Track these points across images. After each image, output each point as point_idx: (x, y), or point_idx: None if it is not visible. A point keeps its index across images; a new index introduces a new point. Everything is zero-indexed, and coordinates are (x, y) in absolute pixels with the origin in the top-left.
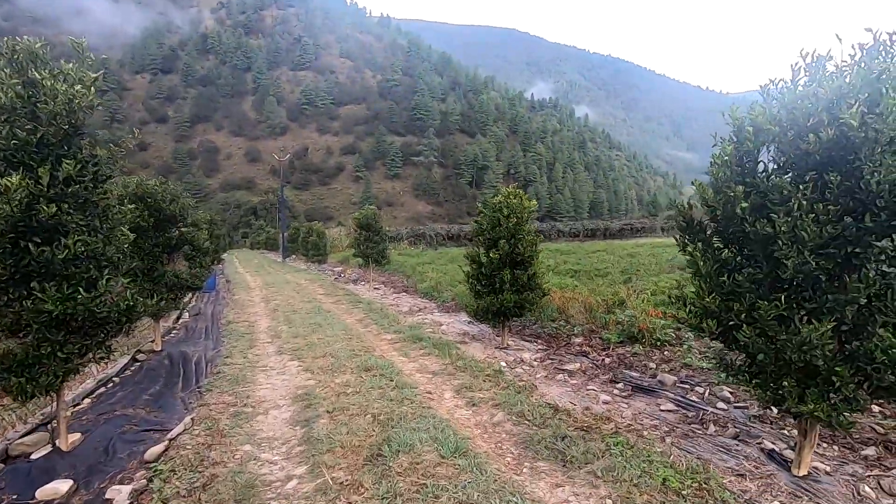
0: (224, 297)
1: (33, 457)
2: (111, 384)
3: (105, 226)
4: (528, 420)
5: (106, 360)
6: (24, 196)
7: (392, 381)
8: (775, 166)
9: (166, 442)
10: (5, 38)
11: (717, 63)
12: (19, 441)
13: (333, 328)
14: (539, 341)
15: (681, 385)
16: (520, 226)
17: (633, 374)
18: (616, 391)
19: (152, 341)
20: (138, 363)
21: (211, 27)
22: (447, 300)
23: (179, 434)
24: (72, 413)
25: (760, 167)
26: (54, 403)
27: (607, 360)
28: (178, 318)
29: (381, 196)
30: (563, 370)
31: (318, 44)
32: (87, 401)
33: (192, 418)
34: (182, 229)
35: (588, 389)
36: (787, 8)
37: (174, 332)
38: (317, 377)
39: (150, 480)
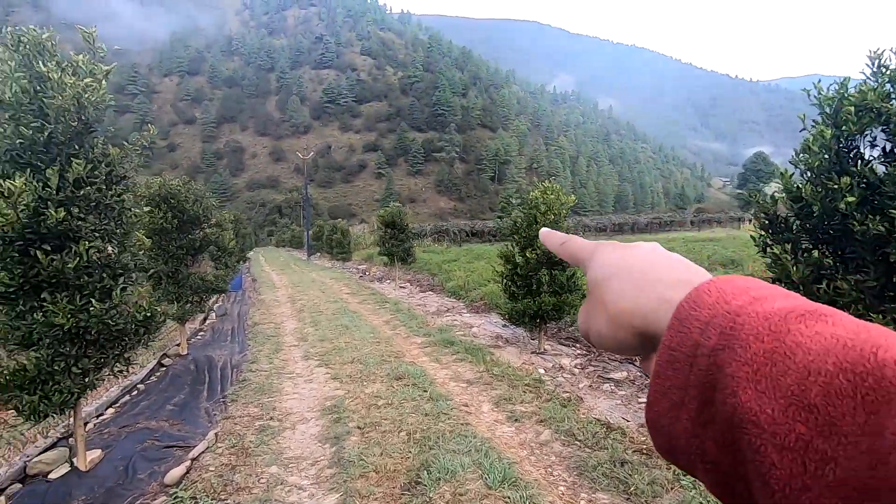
0: (250, 296)
1: (52, 476)
2: (136, 392)
3: (119, 230)
4: (579, 440)
5: (125, 374)
6: (31, 200)
7: (426, 391)
8: (882, 152)
9: (188, 462)
10: (9, 28)
11: (745, 50)
12: (38, 458)
13: (361, 330)
14: (577, 345)
15: None
16: (557, 223)
17: None
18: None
19: (178, 345)
20: (164, 368)
21: (235, 29)
22: (476, 300)
23: (202, 453)
24: (94, 425)
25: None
26: (71, 420)
27: None
28: (205, 319)
29: (403, 192)
30: (608, 379)
31: (339, 42)
32: (110, 411)
33: (216, 433)
34: (206, 230)
35: (640, 402)
36: None
37: (201, 333)
38: (345, 386)
39: None
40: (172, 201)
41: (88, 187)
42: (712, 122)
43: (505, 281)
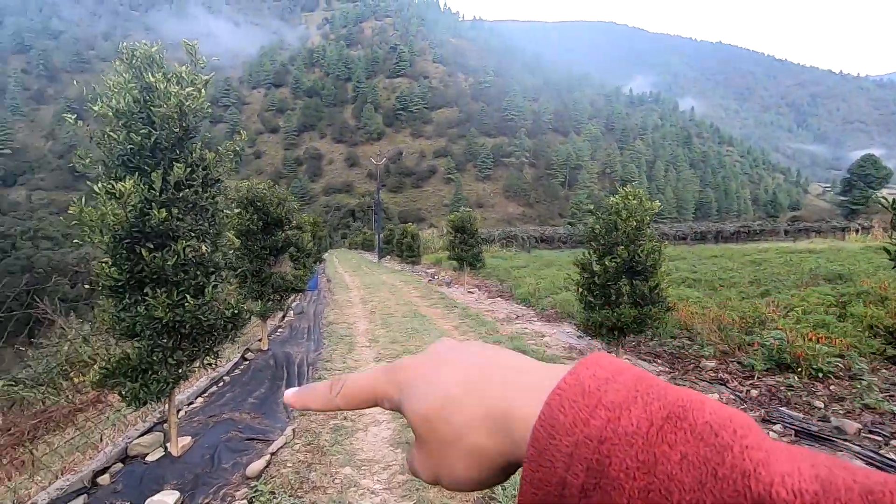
0: (325, 296)
1: (148, 459)
2: (222, 383)
3: (212, 230)
4: None
5: (213, 367)
6: (138, 201)
7: None
8: None
9: (268, 456)
10: (124, 43)
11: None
12: (137, 441)
13: (430, 335)
14: (658, 361)
15: (869, 435)
16: (640, 230)
17: (793, 413)
18: (773, 434)
19: (259, 340)
20: (247, 362)
21: (317, 42)
22: (546, 308)
23: (280, 448)
24: (185, 412)
25: None
26: (166, 407)
27: (753, 393)
28: (284, 316)
29: (471, 197)
30: None
31: (412, 51)
32: (199, 400)
33: (293, 430)
34: (287, 232)
35: None
36: None
37: (280, 330)
38: None
39: (250, 502)
40: (258, 203)
41: (187, 189)
42: (811, 123)
43: (580, 290)
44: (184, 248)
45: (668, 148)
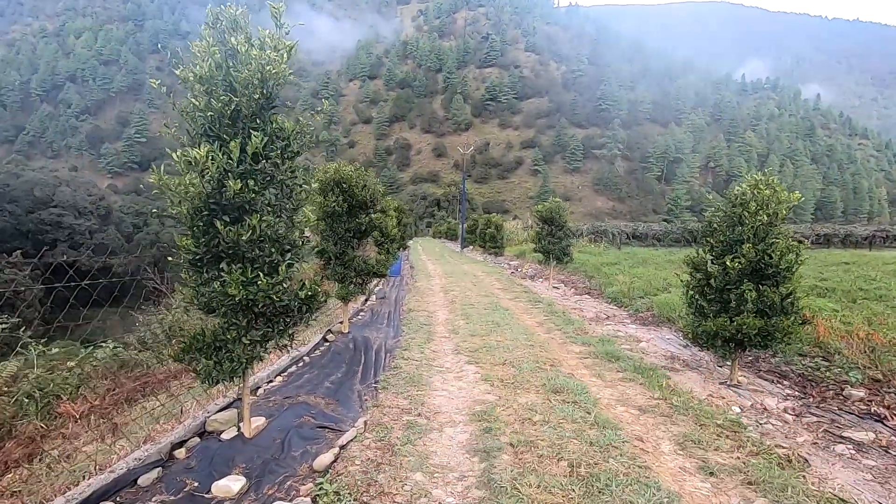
0: (407, 282)
1: (223, 436)
2: (301, 363)
3: (289, 205)
4: None
5: (288, 349)
6: (216, 171)
7: (589, 413)
8: None
9: (336, 450)
10: (209, 7)
11: None
12: (215, 417)
13: (513, 330)
14: (784, 383)
15: None
16: (772, 225)
17: None
18: None
19: (341, 322)
20: (327, 343)
21: (410, 34)
22: (641, 310)
23: (350, 441)
24: (264, 391)
25: None
26: (240, 387)
27: None
28: (366, 300)
29: (558, 190)
30: (843, 438)
31: (504, 40)
32: (279, 379)
33: (364, 422)
34: (372, 215)
35: None
36: None
37: (361, 314)
38: (497, 391)
39: (314, 501)
40: (344, 185)
41: (265, 161)
42: None
43: (691, 293)
44: (259, 223)
45: (784, 140)
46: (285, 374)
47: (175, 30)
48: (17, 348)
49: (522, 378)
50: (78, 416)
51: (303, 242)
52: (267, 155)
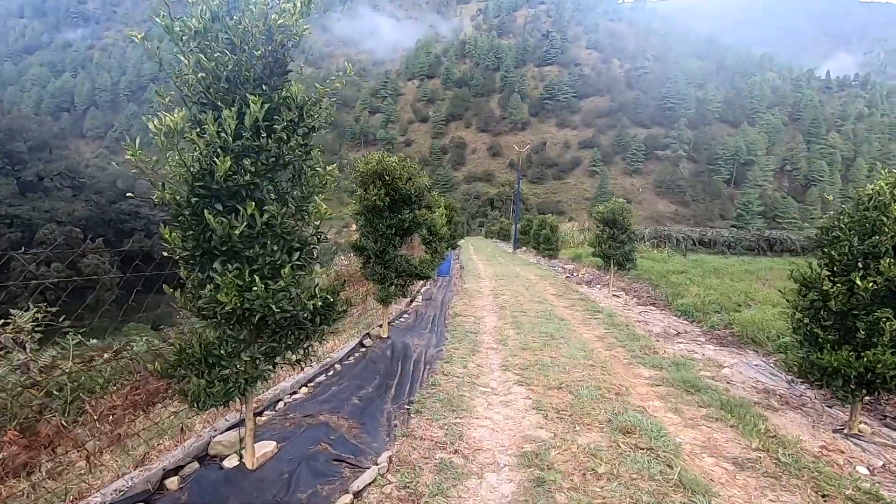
0: (455, 283)
1: (225, 464)
2: (332, 372)
3: (297, 192)
4: None
5: (303, 366)
6: (205, 148)
7: (671, 468)
8: None
9: (350, 498)
10: None
11: None
12: (220, 438)
13: (569, 345)
14: None
15: None
16: None
17: None
18: None
19: (380, 326)
20: (364, 349)
21: (469, 33)
22: (717, 327)
23: (368, 486)
24: (285, 404)
25: None
26: (243, 408)
27: None
28: (412, 301)
29: (617, 192)
30: None
31: (565, 37)
32: (304, 390)
33: (389, 457)
34: (416, 211)
35: None
36: None
37: (405, 316)
38: (551, 425)
39: None
40: (386, 178)
41: (267, 137)
42: None
43: (799, 316)
44: (256, 213)
45: (875, 143)
46: (313, 384)
47: None
48: (55, 338)
49: (582, 408)
50: (97, 417)
51: (319, 239)
52: (271, 128)
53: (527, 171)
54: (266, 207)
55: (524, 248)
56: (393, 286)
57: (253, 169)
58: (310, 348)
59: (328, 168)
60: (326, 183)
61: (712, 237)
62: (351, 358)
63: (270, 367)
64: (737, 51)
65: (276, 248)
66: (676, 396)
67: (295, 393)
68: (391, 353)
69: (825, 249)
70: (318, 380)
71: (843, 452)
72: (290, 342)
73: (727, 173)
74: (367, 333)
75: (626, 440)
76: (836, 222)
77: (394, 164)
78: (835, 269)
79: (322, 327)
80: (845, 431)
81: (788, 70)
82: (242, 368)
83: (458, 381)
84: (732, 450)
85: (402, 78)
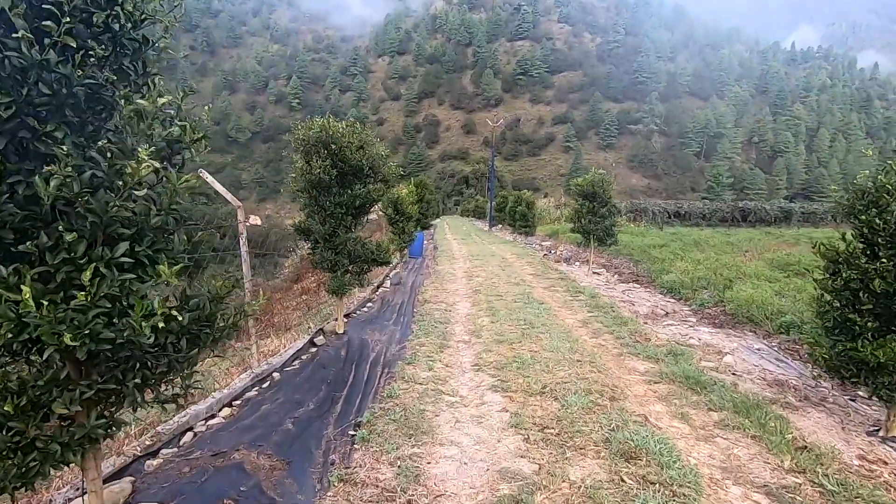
0: (428, 265)
1: None
2: (268, 383)
3: (108, 147)
4: None
5: (180, 403)
6: None
7: None
8: None
9: None
10: None
11: None
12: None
13: (551, 334)
14: None
15: None
16: None
17: None
18: None
19: (336, 320)
20: (315, 349)
21: (440, 7)
22: (707, 304)
23: None
24: (193, 436)
25: None
26: (82, 476)
27: None
28: (378, 286)
29: (590, 167)
30: None
31: (536, 11)
32: (225, 412)
33: None
34: (370, 186)
35: None
36: None
37: (369, 304)
38: (535, 451)
39: None
40: (333, 147)
41: (64, 59)
42: None
43: (829, 299)
44: (40, 181)
45: (837, 113)
46: (240, 401)
47: (207, 8)
48: None
49: (572, 423)
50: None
51: (178, 221)
52: (71, 32)
53: (501, 148)
54: (49, 168)
55: (500, 226)
56: (348, 274)
57: (41, 108)
58: (191, 381)
59: (159, 100)
60: (152, 131)
61: (688, 210)
62: (296, 362)
63: (109, 419)
64: (705, 22)
65: (74, 237)
66: (680, 397)
67: (212, 417)
68: (345, 353)
69: (860, 217)
70: (247, 395)
71: (886, 464)
72: (140, 379)
73: (697, 146)
74: (321, 329)
75: (630, 470)
76: (874, 187)
77: (341, 129)
78: (875, 241)
79: (192, 354)
80: (881, 434)
81: (755, 42)
82: (51, 433)
83: (420, 389)
84: (761, 472)
85: (373, 55)
